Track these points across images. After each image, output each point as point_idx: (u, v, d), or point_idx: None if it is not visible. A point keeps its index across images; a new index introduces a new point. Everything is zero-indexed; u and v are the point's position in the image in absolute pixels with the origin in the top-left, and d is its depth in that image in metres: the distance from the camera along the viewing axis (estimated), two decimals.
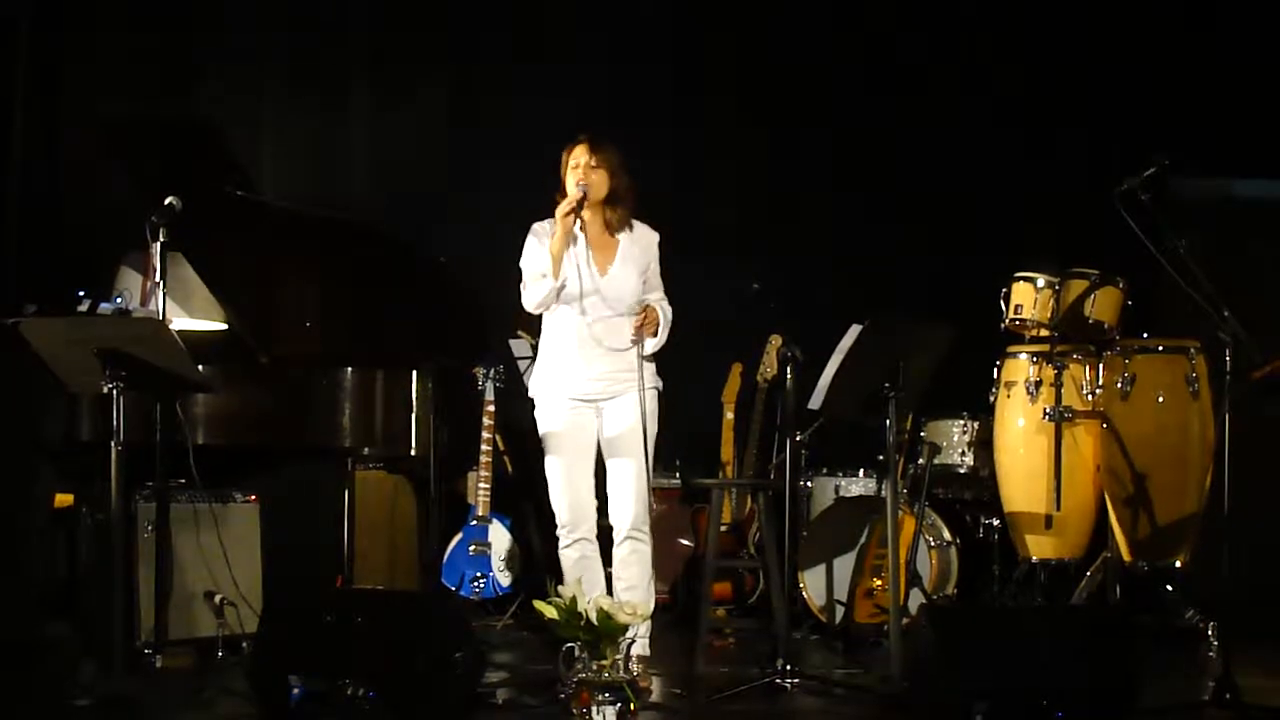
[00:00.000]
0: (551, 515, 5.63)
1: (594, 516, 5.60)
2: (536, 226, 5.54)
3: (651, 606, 5.50)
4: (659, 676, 5.56)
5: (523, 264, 5.51)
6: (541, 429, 5.60)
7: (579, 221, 5.48)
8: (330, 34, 7.92)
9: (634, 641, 4.98)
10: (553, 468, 5.56)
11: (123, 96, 7.38)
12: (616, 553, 5.56)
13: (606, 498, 5.61)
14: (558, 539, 5.59)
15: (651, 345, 5.52)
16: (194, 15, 7.66)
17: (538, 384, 5.62)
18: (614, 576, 5.56)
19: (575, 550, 5.54)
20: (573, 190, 5.43)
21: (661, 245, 5.63)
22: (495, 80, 7.95)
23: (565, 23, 7.98)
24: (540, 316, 5.66)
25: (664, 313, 5.55)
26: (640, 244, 5.58)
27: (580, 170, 5.45)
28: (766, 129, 8.03)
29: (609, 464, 5.58)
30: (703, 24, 8.06)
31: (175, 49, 7.59)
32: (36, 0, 7.40)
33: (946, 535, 6.74)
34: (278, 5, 7.87)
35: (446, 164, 7.96)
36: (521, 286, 5.51)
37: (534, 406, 5.63)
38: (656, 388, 5.59)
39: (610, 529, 5.61)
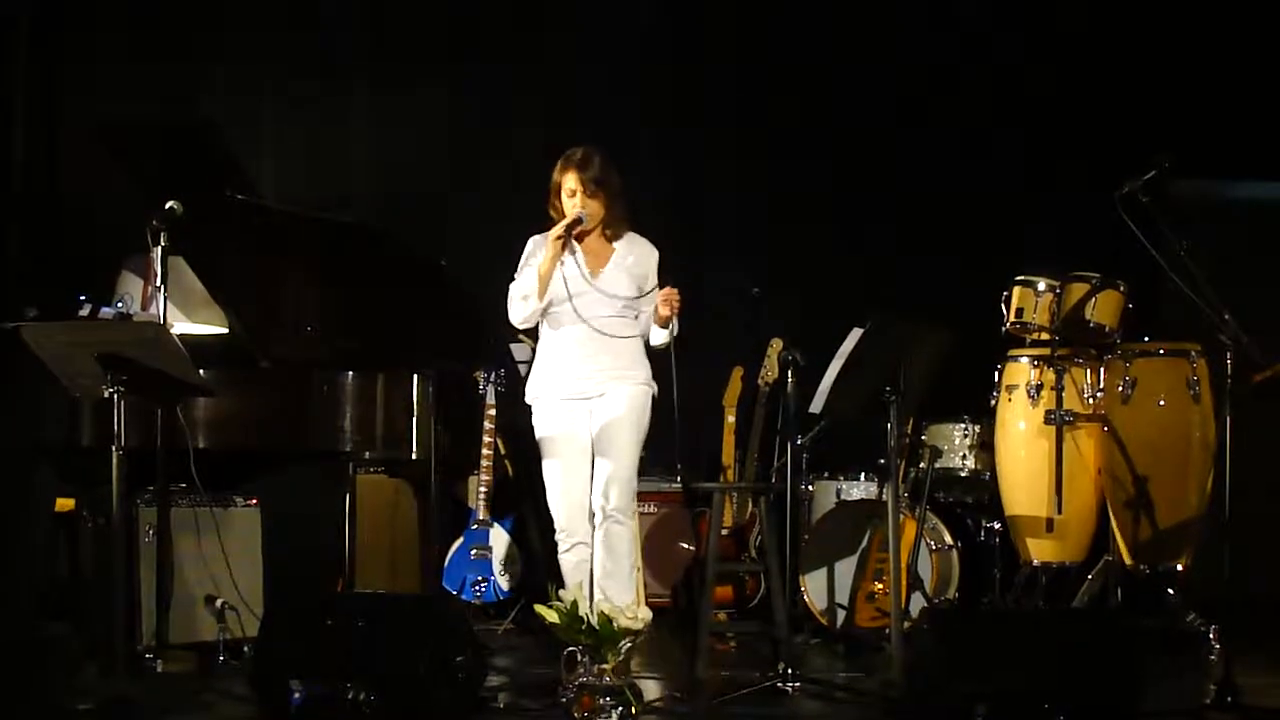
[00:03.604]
0: (552, 519, 5.64)
1: (591, 522, 5.60)
2: (533, 241, 5.56)
3: (631, 597, 5.52)
4: (660, 680, 5.56)
5: (517, 275, 5.53)
6: (537, 432, 5.63)
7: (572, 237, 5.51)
8: (330, 34, 7.92)
9: (634, 645, 4.98)
10: (549, 471, 5.58)
11: (123, 98, 7.37)
12: (595, 536, 5.58)
13: None
14: (558, 543, 5.60)
15: (661, 336, 5.55)
16: (194, 16, 7.66)
17: (533, 388, 5.65)
18: (594, 561, 5.58)
19: (574, 555, 5.57)
20: (570, 212, 5.45)
21: (661, 263, 5.65)
22: (495, 80, 7.94)
23: (565, 23, 7.97)
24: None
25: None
26: (636, 254, 5.62)
27: (578, 199, 5.47)
28: (766, 129, 8.03)
29: (597, 452, 5.59)
30: (703, 24, 8.05)
31: (175, 50, 7.59)
32: (37, 1, 7.40)
33: (948, 539, 6.74)
34: (278, 5, 7.87)
35: (447, 166, 7.96)
36: (509, 299, 5.54)
37: (531, 412, 5.65)
38: (648, 385, 5.61)
39: None
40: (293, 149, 7.81)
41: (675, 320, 5.54)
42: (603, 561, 5.57)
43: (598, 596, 5.48)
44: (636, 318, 5.62)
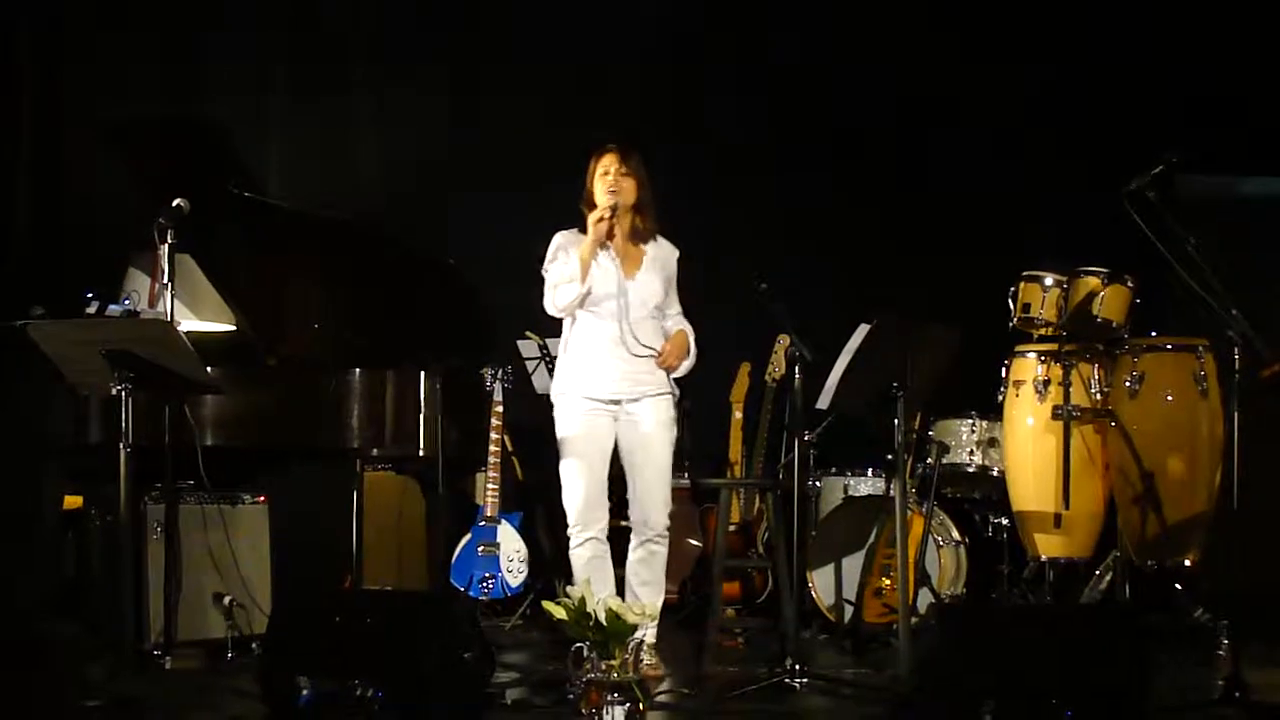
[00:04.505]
0: (560, 515, 5.64)
1: (606, 517, 5.62)
2: (560, 236, 5.58)
3: (660, 604, 5.54)
4: (668, 676, 5.57)
5: (547, 269, 5.54)
6: (559, 430, 5.61)
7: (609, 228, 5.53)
8: (332, 34, 7.92)
9: (641, 641, 4.98)
10: (568, 468, 5.57)
11: (126, 98, 7.38)
12: (634, 553, 5.61)
13: (619, 499, 5.64)
14: (569, 538, 5.60)
15: (684, 369, 5.62)
16: (195, 16, 7.66)
17: (558, 385, 5.64)
18: (629, 571, 5.60)
19: (586, 550, 5.56)
20: (603, 198, 5.47)
21: (680, 263, 5.67)
22: (498, 80, 7.95)
23: (565, 23, 7.98)
24: (555, 318, 5.69)
25: (688, 331, 5.64)
26: (662, 257, 5.66)
27: (611, 178, 5.49)
28: (766, 129, 8.02)
29: (630, 469, 5.61)
30: (703, 24, 8.05)
31: (177, 50, 7.60)
32: (39, 2, 7.41)
33: (955, 534, 6.73)
34: (279, 5, 7.87)
35: (451, 165, 7.97)
36: (547, 289, 5.53)
37: (553, 408, 5.65)
38: (673, 393, 5.63)
39: (624, 530, 5.64)
40: (295, 150, 7.81)
41: (692, 353, 5.62)
42: (640, 573, 5.61)
43: (629, 599, 5.49)
44: (663, 319, 5.65)
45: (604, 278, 5.50)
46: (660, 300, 5.61)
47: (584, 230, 5.52)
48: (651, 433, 5.57)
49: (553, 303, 5.54)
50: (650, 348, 5.55)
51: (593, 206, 5.52)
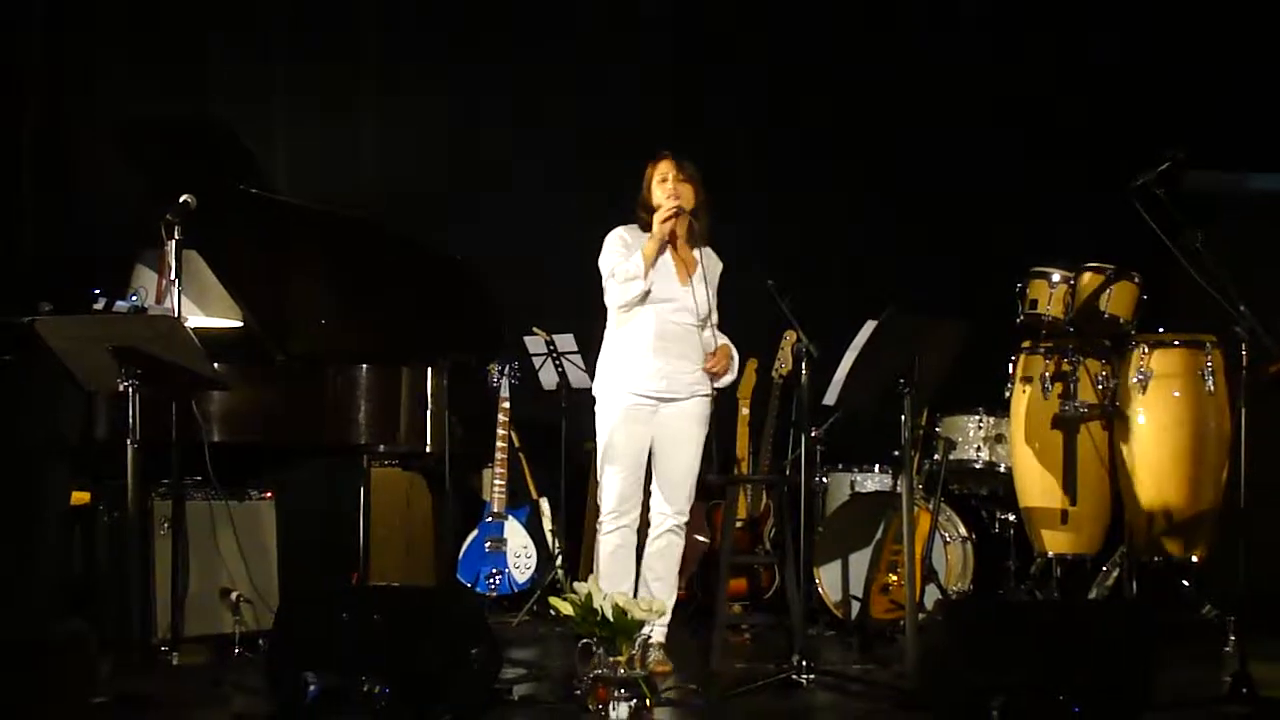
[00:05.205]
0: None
1: (639, 509, 5.64)
2: (619, 230, 5.61)
3: (671, 602, 5.60)
4: (675, 672, 5.57)
5: (608, 263, 5.59)
6: (602, 424, 5.65)
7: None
8: (332, 34, 7.92)
9: (649, 637, 4.98)
10: (610, 462, 5.59)
11: (128, 97, 7.37)
12: (652, 544, 5.65)
13: (648, 493, 5.67)
14: (600, 525, 5.63)
15: (727, 381, 5.71)
16: (200, 16, 7.66)
17: (603, 381, 5.67)
18: (644, 565, 5.64)
19: (617, 537, 5.61)
20: (666, 201, 5.52)
21: (722, 277, 5.75)
22: (498, 80, 7.95)
23: (565, 22, 7.97)
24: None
25: (730, 345, 5.70)
26: (711, 265, 5.72)
27: (669, 184, 5.55)
28: (767, 128, 8.02)
29: (662, 461, 5.65)
30: (703, 24, 8.04)
31: (183, 50, 7.59)
32: (46, 1, 7.41)
33: (962, 530, 6.73)
34: (284, 5, 7.88)
35: (457, 163, 7.95)
36: (611, 281, 5.56)
37: (595, 402, 5.69)
38: (712, 394, 5.66)
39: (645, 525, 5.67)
40: (299, 149, 7.80)
41: (734, 366, 5.71)
42: (656, 568, 5.66)
43: (642, 594, 5.51)
44: (704, 327, 5.67)
45: (664, 279, 5.56)
46: (710, 307, 5.65)
47: (644, 228, 5.58)
48: (689, 430, 5.64)
49: (616, 295, 5.57)
50: (699, 350, 5.61)
51: (649, 211, 5.58)
